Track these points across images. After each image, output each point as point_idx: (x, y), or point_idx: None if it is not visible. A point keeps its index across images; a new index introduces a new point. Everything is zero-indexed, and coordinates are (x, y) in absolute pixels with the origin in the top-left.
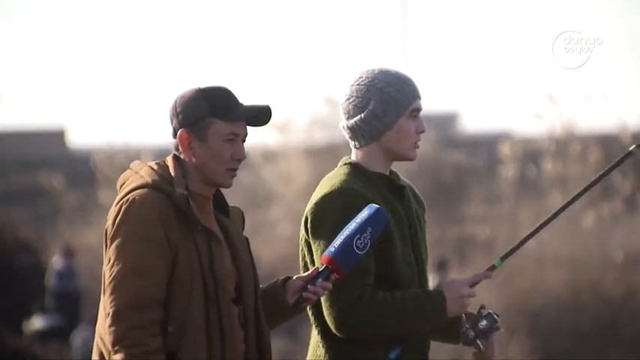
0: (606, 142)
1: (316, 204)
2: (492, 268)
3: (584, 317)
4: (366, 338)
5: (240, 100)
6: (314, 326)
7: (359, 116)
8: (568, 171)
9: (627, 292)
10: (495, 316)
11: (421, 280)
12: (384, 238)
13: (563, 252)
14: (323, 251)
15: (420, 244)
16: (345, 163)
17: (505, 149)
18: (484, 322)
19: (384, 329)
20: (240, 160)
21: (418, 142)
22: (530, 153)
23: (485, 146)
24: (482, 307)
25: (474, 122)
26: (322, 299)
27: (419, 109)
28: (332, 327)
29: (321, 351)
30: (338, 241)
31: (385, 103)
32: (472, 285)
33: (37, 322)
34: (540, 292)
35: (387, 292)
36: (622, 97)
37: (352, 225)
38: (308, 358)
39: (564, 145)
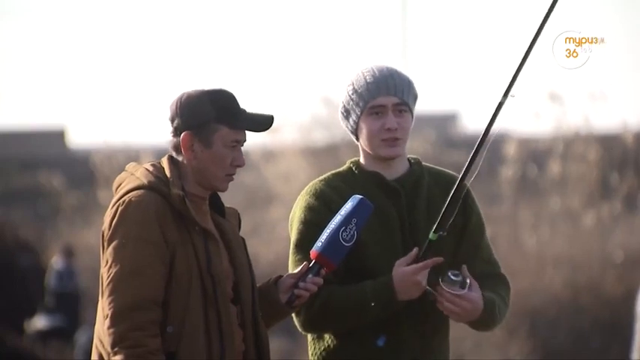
0: (606, 142)
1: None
2: (430, 242)
3: (584, 317)
4: (343, 330)
5: (242, 105)
6: None
7: (339, 116)
8: (568, 171)
9: (627, 292)
10: (454, 277)
11: None
12: (356, 242)
13: (563, 252)
14: (293, 248)
15: (421, 241)
16: (349, 162)
17: (507, 149)
18: (452, 287)
19: (336, 324)
20: (239, 167)
21: (392, 139)
22: (531, 153)
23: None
24: (440, 280)
25: (474, 122)
26: None
27: (381, 105)
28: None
29: (316, 345)
30: (324, 236)
31: (347, 103)
32: (423, 269)
33: (39, 322)
34: (540, 292)
35: (336, 288)
36: (622, 97)
37: (337, 218)
38: (309, 353)
39: (564, 145)
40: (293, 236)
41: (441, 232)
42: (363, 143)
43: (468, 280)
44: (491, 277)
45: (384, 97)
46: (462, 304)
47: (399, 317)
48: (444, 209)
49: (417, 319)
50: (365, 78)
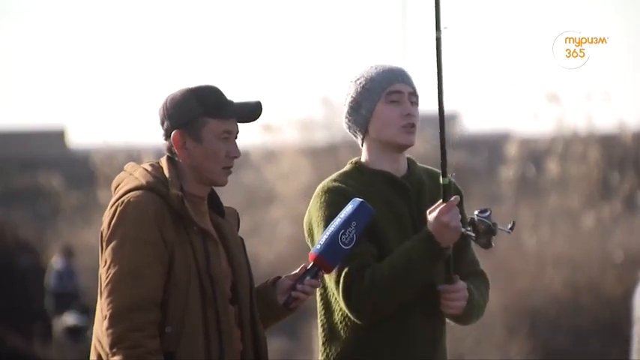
0: (606, 142)
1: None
2: (445, 186)
3: (584, 317)
4: (403, 299)
5: (229, 98)
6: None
7: (344, 114)
8: (568, 171)
9: (627, 292)
10: (481, 215)
11: None
12: (377, 234)
13: (563, 252)
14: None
15: None
16: (349, 162)
17: (507, 149)
18: (482, 227)
19: (393, 298)
20: (235, 158)
21: (410, 126)
22: (531, 153)
23: (486, 146)
24: (469, 223)
25: (474, 122)
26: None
27: (399, 92)
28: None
29: (328, 349)
30: (323, 238)
31: (359, 94)
32: (449, 211)
33: (69, 319)
34: (540, 292)
35: (377, 265)
36: (622, 97)
37: (336, 221)
38: (320, 358)
39: (564, 145)
40: (318, 236)
41: (450, 176)
42: (376, 133)
43: (497, 224)
44: (475, 276)
45: (401, 84)
46: (461, 295)
47: (413, 319)
48: (440, 155)
49: (431, 320)
50: (376, 69)
